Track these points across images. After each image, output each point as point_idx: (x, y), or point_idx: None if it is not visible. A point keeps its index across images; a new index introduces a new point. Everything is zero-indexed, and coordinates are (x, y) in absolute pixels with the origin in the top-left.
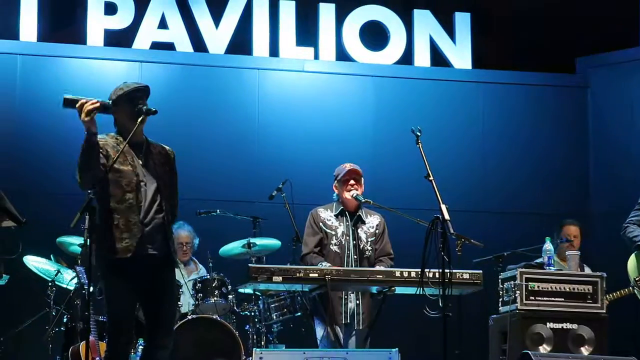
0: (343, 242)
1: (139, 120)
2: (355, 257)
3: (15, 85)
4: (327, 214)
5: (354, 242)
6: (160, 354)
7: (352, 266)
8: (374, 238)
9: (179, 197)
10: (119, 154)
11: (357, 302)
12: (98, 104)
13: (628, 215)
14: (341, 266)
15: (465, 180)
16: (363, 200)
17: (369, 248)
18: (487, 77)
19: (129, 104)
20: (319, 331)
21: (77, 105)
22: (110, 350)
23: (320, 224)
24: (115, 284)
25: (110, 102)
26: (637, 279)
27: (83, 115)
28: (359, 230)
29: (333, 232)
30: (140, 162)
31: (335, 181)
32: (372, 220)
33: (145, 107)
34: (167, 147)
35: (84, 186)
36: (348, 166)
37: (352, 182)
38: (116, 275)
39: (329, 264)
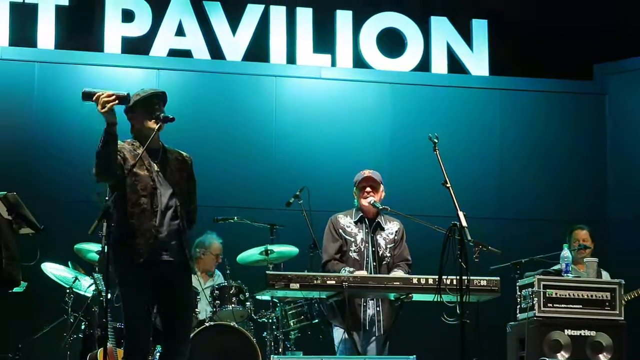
0: (362, 249)
1: (157, 127)
2: (375, 263)
3: (32, 92)
4: (346, 221)
5: (373, 248)
6: None
7: (371, 273)
8: (393, 245)
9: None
10: (138, 159)
11: (377, 308)
12: (114, 96)
13: None
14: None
15: (483, 187)
16: (380, 207)
17: (388, 254)
18: (504, 84)
19: (146, 109)
20: (337, 338)
21: (94, 98)
22: (127, 357)
23: (340, 230)
24: (132, 291)
25: (128, 94)
26: None
27: (100, 107)
28: (377, 237)
29: (352, 239)
30: (157, 168)
31: (355, 188)
32: (392, 227)
33: (162, 114)
34: (185, 154)
35: (99, 178)
36: (366, 173)
37: (368, 189)
38: (133, 281)
39: (352, 269)
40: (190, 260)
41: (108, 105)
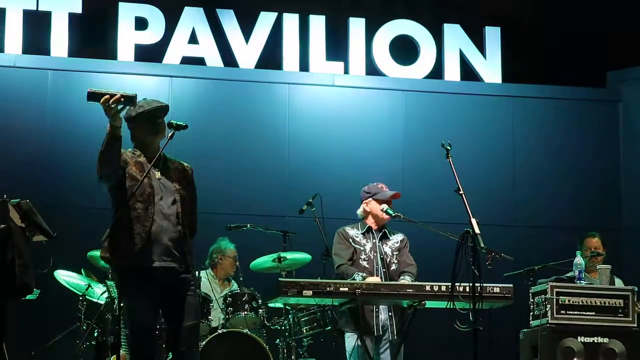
0: (371, 257)
1: (170, 135)
2: (384, 270)
3: (46, 100)
4: (354, 232)
5: (381, 256)
6: None
7: (381, 279)
8: (397, 252)
9: (208, 211)
10: (149, 169)
11: (390, 314)
12: (120, 97)
13: None
14: None
15: (496, 194)
16: (394, 215)
17: (395, 261)
18: (517, 91)
19: (148, 121)
20: (349, 345)
21: (101, 101)
22: None
23: (350, 240)
24: (134, 297)
25: (135, 95)
26: None
27: (106, 109)
28: (384, 246)
29: (362, 248)
30: (158, 176)
31: (372, 198)
32: (397, 237)
33: (175, 122)
34: (185, 164)
35: (101, 178)
36: (386, 189)
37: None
38: (134, 288)
39: (365, 275)
40: (192, 267)
41: (113, 108)
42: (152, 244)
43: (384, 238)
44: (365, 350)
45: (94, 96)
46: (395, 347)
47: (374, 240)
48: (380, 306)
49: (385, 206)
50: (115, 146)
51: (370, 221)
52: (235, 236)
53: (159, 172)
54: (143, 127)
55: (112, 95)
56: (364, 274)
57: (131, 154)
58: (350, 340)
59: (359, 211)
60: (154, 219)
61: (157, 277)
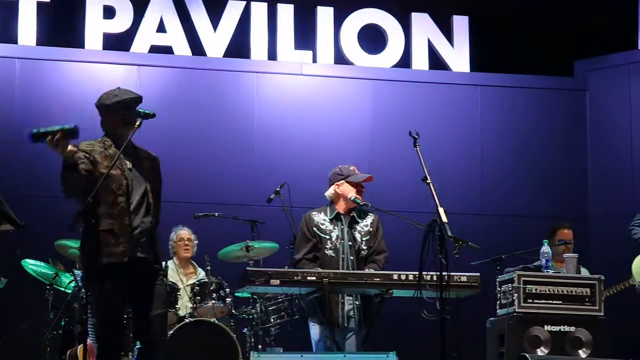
0: (338, 246)
1: (137, 124)
2: (352, 257)
3: (13, 89)
4: (320, 218)
5: (350, 243)
6: (154, 356)
7: (348, 268)
8: (368, 237)
9: (175, 200)
10: (115, 160)
11: (356, 303)
12: (62, 136)
13: (627, 218)
14: (337, 269)
15: (463, 183)
16: (361, 203)
17: (365, 247)
18: (485, 80)
19: (122, 111)
20: (315, 333)
21: (47, 142)
22: (101, 353)
23: (314, 228)
24: (106, 288)
25: (75, 126)
26: None
27: (53, 148)
28: (353, 231)
29: (327, 237)
30: (129, 166)
31: (344, 180)
32: (366, 220)
33: (143, 110)
34: (152, 153)
35: (67, 196)
36: (357, 172)
37: (362, 189)
38: (106, 279)
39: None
40: (159, 257)
41: (59, 145)
42: (132, 238)
43: (353, 222)
44: (332, 339)
45: (38, 138)
46: (361, 336)
47: (342, 227)
48: (346, 296)
49: (353, 195)
50: (73, 172)
51: (340, 206)
52: (203, 225)
53: (131, 162)
54: (115, 117)
55: (54, 134)
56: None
57: (101, 145)
58: (316, 328)
59: (328, 193)
60: (128, 210)
61: (127, 267)
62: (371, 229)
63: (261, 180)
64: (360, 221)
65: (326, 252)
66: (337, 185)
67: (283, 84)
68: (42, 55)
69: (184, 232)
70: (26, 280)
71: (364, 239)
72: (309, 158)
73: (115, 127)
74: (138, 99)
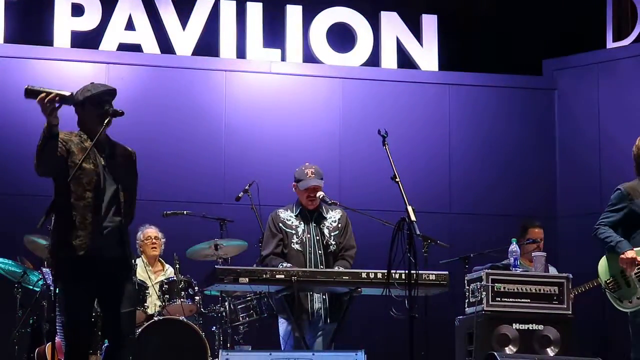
0: (304, 240)
1: (106, 121)
2: (320, 252)
3: None
4: (286, 214)
5: (317, 237)
6: (122, 354)
7: (316, 262)
8: (337, 232)
9: (144, 199)
10: (87, 153)
11: (323, 297)
12: (57, 97)
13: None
14: (304, 264)
15: (432, 182)
16: (329, 202)
17: (333, 242)
18: (454, 79)
19: (96, 106)
20: (284, 331)
21: (37, 99)
22: (69, 352)
23: (280, 224)
24: (73, 286)
25: (72, 93)
26: (608, 282)
27: (43, 107)
28: (321, 226)
29: (293, 232)
30: (103, 162)
31: (295, 182)
32: (334, 215)
33: (112, 108)
34: (129, 148)
35: (40, 172)
36: (310, 177)
37: (311, 196)
38: (73, 276)
39: (289, 264)
40: (129, 256)
41: (50, 106)
42: (99, 234)
43: (320, 218)
44: (301, 337)
45: (31, 93)
46: (330, 333)
47: (309, 222)
48: (315, 294)
49: (321, 194)
50: (52, 145)
51: (304, 203)
52: (172, 223)
53: (104, 159)
54: (90, 112)
55: (48, 94)
56: (288, 264)
57: (78, 138)
58: (284, 326)
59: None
60: (99, 207)
61: (96, 265)
62: (340, 225)
63: (230, 179)
64: (327, 217)
65: (293, 246)
66: (294, 186)
67: (252, 83)
68: (9, 52)
69: (151, 231)
70: None
71: (332, 234)
72: (277, 156)
73: (90, 123)
74: (111, 91)
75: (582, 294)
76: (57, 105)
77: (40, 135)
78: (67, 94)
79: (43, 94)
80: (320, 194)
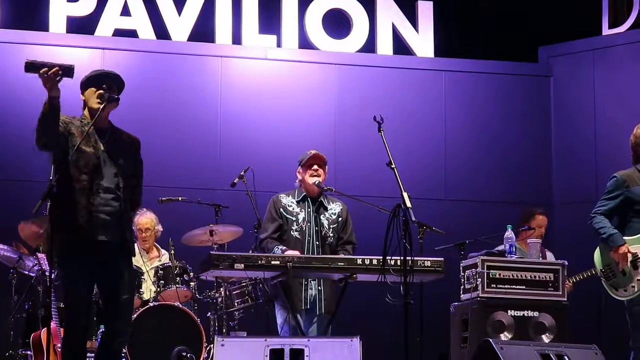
0: (304, 228)
1: (101, 107)
2: (317, 242)
3: None
4: (288, 200)
5: (316, 227)
6: (118, 340)
7: (313, 252)
8: (336, 225)
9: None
10: (85, 135)
11: (319, 288)
12: (58, 70)
13: (591, 204)
14: (301, 252)
15: (428, 168)
16: (325, 188)
17: (331, 235)
18: (449, 66)
19: (95, 88)
20: (280, 317)
21: (40, 73)
22: (67, 336)
23: (281, 209)
24: (72, 270)
25: (72, 65)
26: (603, 270)
27: (44, 80)
28: (321, 217)
29: (294, 218)
30: (102, 148)
31: (299, 166)
32: (335, 208)
33: (107, 94)
34: (133, 135)
35: (40, 145)
36: (312, 152)
37: (315, 167)
38: (72, 260)
39: (285, 248)
40: (130, 242)
41: (51, 79)
42: (94, 218)
43: (321, 208)
44: (297, 324)
45: (32, 67)
46: (325, 320)
47: (309, 210)
48: (310, 281)
49: (316, 179)
50: (53, 117)
51: (307, 190)
52: (168, 209)
53: (105, 144)
54: (90, 95)
55: (50, 67)
56: (283, 248)
57: (79, 122)
58: (281, 313)
59: (297, 180)
60: (97, 191)
61: (96, 250)
62: (340, 218)
63: (225, 165)
64: (328, 207)
65: (292, 233)
66: (298, 172)
67: (248, 69)
68: (5, 38)
69: (143, 222)
70: None
71: (331, 226)
72: (273, 142)
73: (91, 105)
74: (112, 75)
75: (580, 282)
76: (57, 78)
77: (41, 109)
78: (69, 65)
79: (45, 67)
80: (316, 179)
